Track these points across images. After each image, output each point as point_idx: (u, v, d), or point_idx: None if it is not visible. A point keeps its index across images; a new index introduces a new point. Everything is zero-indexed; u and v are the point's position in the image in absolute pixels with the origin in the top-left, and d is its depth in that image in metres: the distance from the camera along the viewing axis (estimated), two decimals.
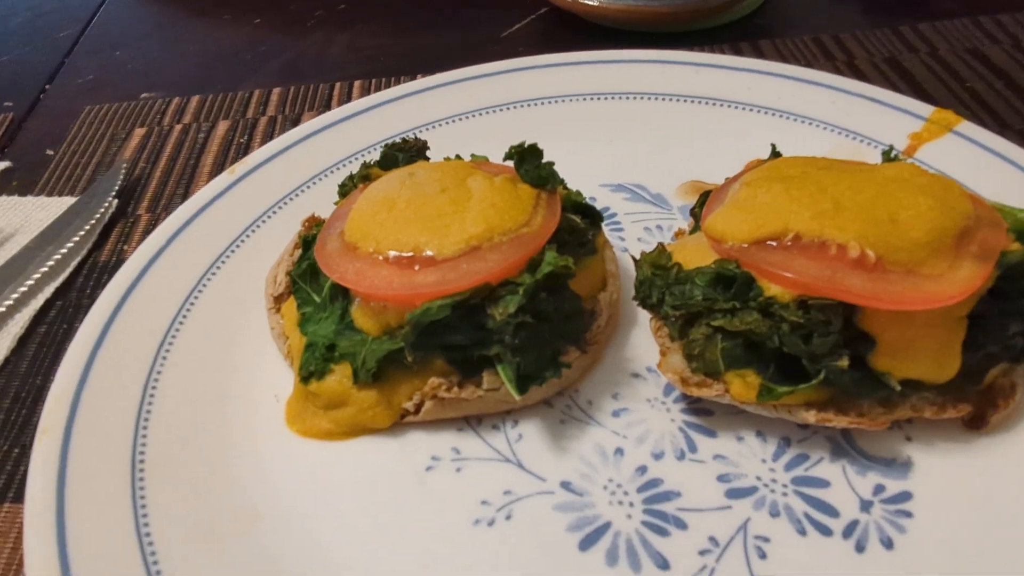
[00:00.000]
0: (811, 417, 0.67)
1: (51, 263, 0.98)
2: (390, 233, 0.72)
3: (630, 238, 0.92)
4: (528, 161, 0.78)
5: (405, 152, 0.88)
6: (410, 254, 0.71)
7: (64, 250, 1.00)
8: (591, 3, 1.33)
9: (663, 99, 1.08)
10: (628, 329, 0.81)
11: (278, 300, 0.82)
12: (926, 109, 0.97)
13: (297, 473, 0.71)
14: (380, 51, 1.45)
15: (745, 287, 0.68)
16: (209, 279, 0.86)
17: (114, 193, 1.09)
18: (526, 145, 0.78)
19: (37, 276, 0.97)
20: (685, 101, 1.08)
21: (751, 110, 1.05)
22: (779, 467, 0.69)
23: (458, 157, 0.90)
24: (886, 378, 0.66)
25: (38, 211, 1.09)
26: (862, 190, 0.69)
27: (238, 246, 0.90)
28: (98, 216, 1.05)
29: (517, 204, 0.74)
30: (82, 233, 1.02)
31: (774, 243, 0.68)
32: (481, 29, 1.47)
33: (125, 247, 1.03)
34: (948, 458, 0.68)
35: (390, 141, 1.01)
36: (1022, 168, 0.89)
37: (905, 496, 0.66)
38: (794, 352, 0.65)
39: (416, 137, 0.91)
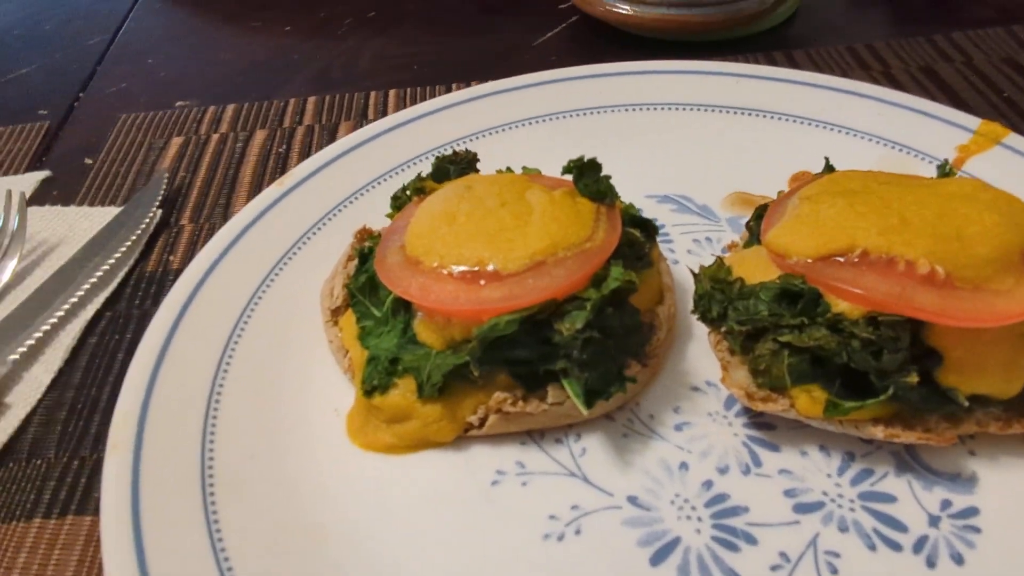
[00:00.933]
0: (879, 433, 0.67)
1: (99, 274, 0.98)
2: (453, 247, 0.73)
3: (680, 250, 0.92)
4: (587, 175, 0.78)
5: (456, 164, 0.89)
6: (475, 269, 0.71)
7: (112, 260, 1.00)
8: (623, 11, 1.33)
9: (704, 110, 1.09)
10: (685, 343, 0.82)
11: (335, 313, 0.82)
12: (973, 121, 0.98)
13: (362, 488, 0.71)
14: (411, 59, 1.45)
15: (812, 303, 0.68)
16: (264, 291, 0.86)
17: (158, 203, 1.09)
18: (585, 159, 0.79)
19: (86, 287, 0.97)
20: (726, 112, 1.08)
21: (793, 121, 1.05)
22: (845, 482, 0.69)
23: (509, 170, 0.90)
24: (954, 394, 0.66)
25: (82, 220, 1.10)
26: (927, 206, 0.70)
27: (290, 258, 0.90)
28: (143, 226, 1.05)
29: (579, 219, 0.75)
30: (128, 243, 1.02)
31: (841, 259, 0.68)
32: (512, 37, 1.48)
33: (171, 257, 1.03)
34: (1013, 473, 0.69)
35: (436, 152, 1.03)
36: None
37: (972, 511, 0.66)
38: (863, 368, 0.66)
39: (466, 149, 0.91)
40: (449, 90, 1.26)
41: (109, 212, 1.10)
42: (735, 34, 1.35)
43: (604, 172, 0.80)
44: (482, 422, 0.73)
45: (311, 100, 1.32)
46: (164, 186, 1.12)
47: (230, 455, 0.71)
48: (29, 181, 1.18)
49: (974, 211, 0.69)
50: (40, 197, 1.16)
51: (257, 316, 0.84)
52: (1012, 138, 0.94)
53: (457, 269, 0.71)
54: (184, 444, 0.71)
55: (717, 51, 1.31)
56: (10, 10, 1.76)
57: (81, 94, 1.45)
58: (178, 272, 0.99)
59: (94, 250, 1.02)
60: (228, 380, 0.77)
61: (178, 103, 1.38)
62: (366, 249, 0.83)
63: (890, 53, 1.30)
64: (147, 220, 1.06)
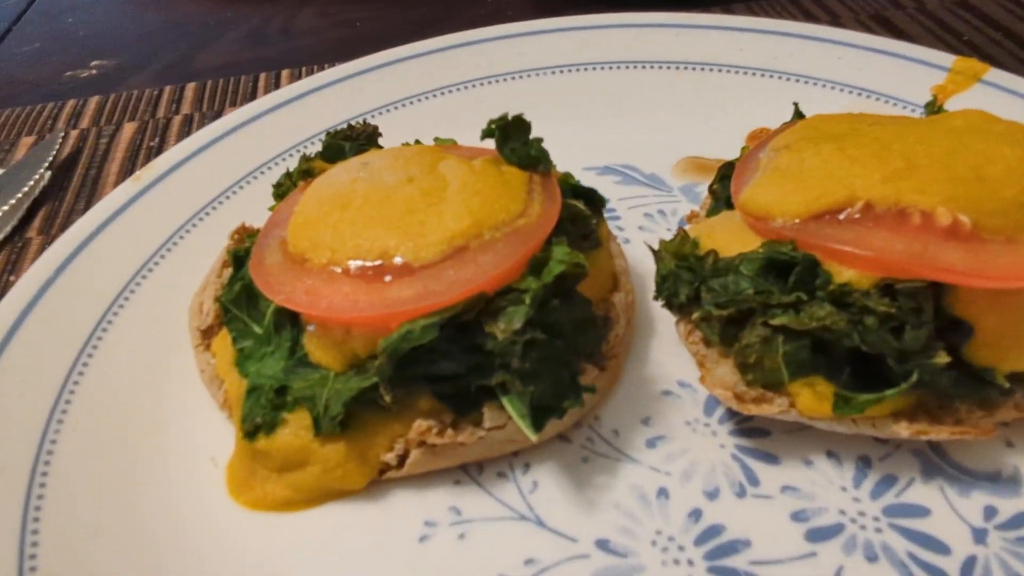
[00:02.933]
0: (903, 431, 0.53)
1: None
2: (348, 238, 0.56)
3: (630, 227, 0.78)
4: (514, 138, 0.63)
5: (353, 140, 0.73)
6: (378, 262, 0.55)
7: None
8: None
9: (642, 67, 0.95)
10: (647, 337, 0.67)
11: (207, 334, 0.65)
12: (946, 59, 0.86)
13: (251, 560, 0.54)
14: (354, 16, 1.31)
15: (808, 273, 0.54)
16: (116, 312, 0.68)
17: (47, 164, 0.95)
18: (510, 117, 0.63)
19: None
20: (667, 68, 0.94)
21: (744, 73, 0.92)
22: (864, 495, 0.55)
23: (418, 142, 0.74)
24: (990, 375, 0.53)
25: None
26: (934, 143, 0.56)
27: (151, 269, 0.72)
28: (26, 189, 0.92)
29: (507, 190, 0.59)
30: (5, 208, 0.89)
31: (840, 215, 0.54)
32: None
33: (12, 277, 0.84)
34: None
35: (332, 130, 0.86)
36: None
37: None
38: (879, 350, 0.51)
39: (365, 122, 0.75)
40: None
41: None
42: None
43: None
44: (401, 460, 0.56)
45: (190, 87, 1.14)
46: (57, 145, 0.98)
47: (61, 530, 0.53)
48: None
49: (990, 146, 0.56)
50: None
51: (106, 344, 0.66)
52: (993, 73, 0.83)
53: (354, 264, 0.55)
54: None
55: (682, 7, 1.17)
56: None
57: None
58: None
59: None
60: (64, 431, 0.59)
61: (92, 63, 1.24)
62: (242, 251, 0.66)
63: (836, 3, 1.18)
64: (31, 183, 0.93)
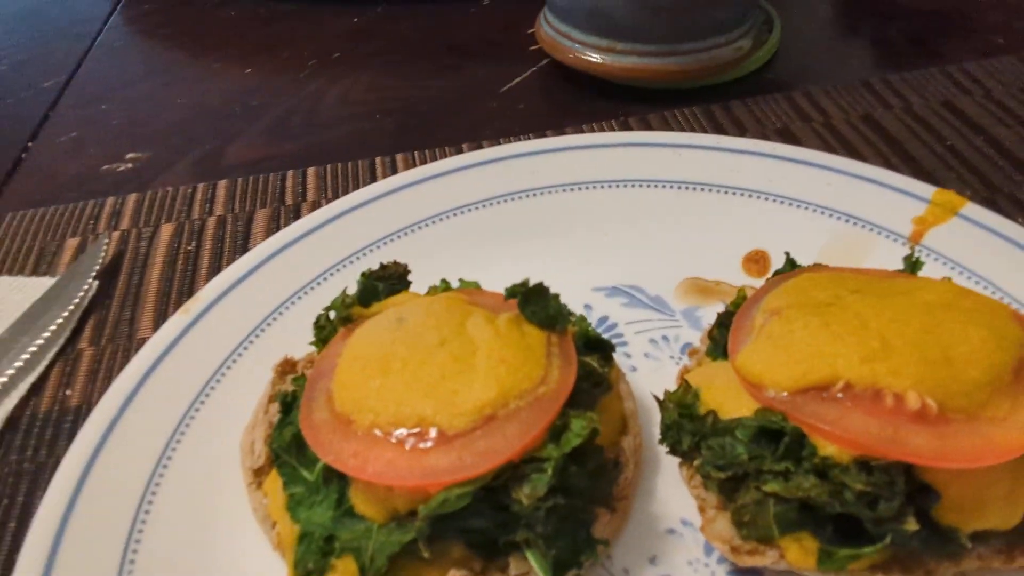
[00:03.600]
0: None
1: (25, 356, 0.92)
2: (389, 403, 0.64)
3: (636, 353, 0.85)
4: (534, 302, 0.70)
5: (386, 280, 0.79)
6: (416, 429, 0.62)
7: (40, 341, 0.93)
8: (594, 60, 1.26)
9: (645, 186, 1.02)
10: (651, 475, 0.74)
11: (259, 473, 0.72)
12: (927, 190, 0.93)
13: None
14: (374, 107, 1.39)
15: (796, 444, 0.61)
16: (175, 446, 0.75)
17: (94, 273, 1.02)
18: (530, 284, 0.70)
19: (10, 372, 0.90)
20: (668, 187, 1.01)
21: (740, 194, 0.99)
22: None
23: (444, 284, 0.81)
24: (955, 534, 0.60)
25: (13, 293, 1.02)
26: (907, 322, 0.64)
27: (203, 402, 0.79)
28: (77, 300, 0.98)
29: (529, 357, 0.66)
30: (59, 321, 0.95)
31: (824, 393, 0.61)
32: (479, 80, 1.43)
33: (68, 392, 0.91)
34: None
35: (360, 255, 0.94)
36: None
37: None
38: (857, 515, 0.59)
39: (395, 261, 0.82)
40: (393, 164, 1.20)
41: (44, 283, 1.03)
42: (710, 81, 1.29)
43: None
44: None
45: (222, 184, 1.21)
46: (104, 253, 1.05)
47: None
48: None
49: (958, 326, 0.63)
50: None
51: (169, 479, 0.73)
52: (968, 208, 0.90)
53: (396, 431, 0.62)
54: None
55: (691, 99, 1.27)
56: None
57: (30, 143, 1.37)
58: (77, 410, 0.88)
59: (22, 328, 0.95)
60: (137, 565, 0.66)
61: (128, 155, 1.31)
62: (288, 396, 0.73)
63: (829, 102, 1.26)
64: (81, 293, 0.99)
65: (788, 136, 1.18)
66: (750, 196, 0.98)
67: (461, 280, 0.81)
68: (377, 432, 0.63)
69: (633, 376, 0.81)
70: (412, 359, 0.66)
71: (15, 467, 0.83)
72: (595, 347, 0.74)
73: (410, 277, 0.81)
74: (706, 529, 0.65)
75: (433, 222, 0.98)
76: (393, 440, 0.62)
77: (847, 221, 0.93)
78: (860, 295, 0.68)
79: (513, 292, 0.71)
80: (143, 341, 0.94)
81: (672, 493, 0.72)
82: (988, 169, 1.09)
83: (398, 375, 0.65)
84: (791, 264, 0.79)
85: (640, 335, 0.87)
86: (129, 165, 1.30)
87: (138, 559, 0.67)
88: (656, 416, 0.77)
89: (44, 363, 0.93)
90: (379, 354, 0.68)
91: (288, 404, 0.73)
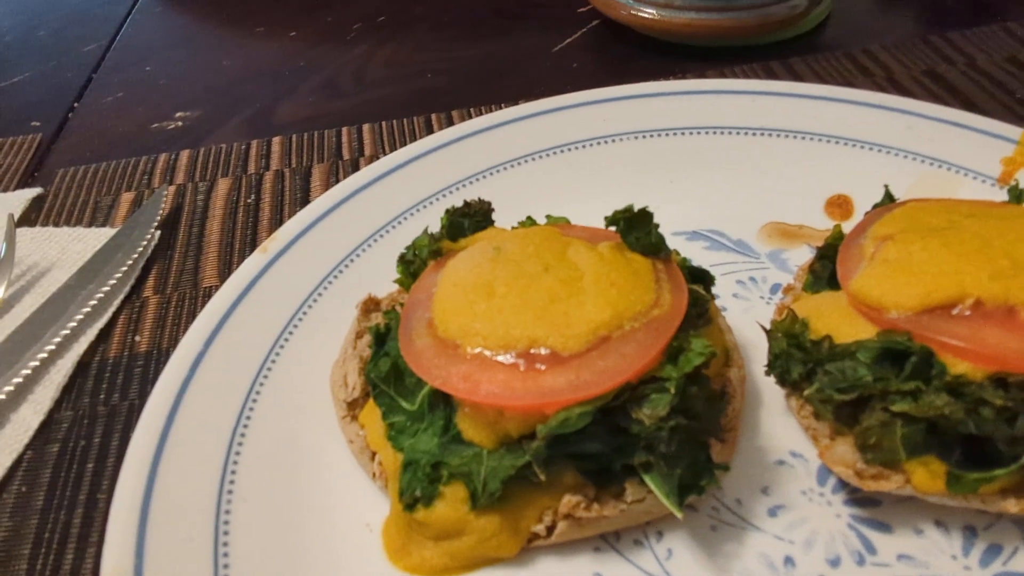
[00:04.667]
0: (1012, 507, 0.59)
1: (93, 302, 0.90)
2: (498, 326, 0.62)
3: (724, 294, 0.83)
4: (638, 228, 0.68)
5: (470, 217, 0.77)
6: (530, 351, 0.60)
7: (106, 287, 0.92)
8: (648, 15, 1.24)
9: (720, 132, 1.00)
10: (755, 409, 0.72)
11: (353, 406, 0.70)
12: (1014, 131, 0.91)
13: None
14: (423, 66, 1.37)
15: (924, 364, 0.59)
16: (262, 383, 0.74)
17: (156, 224, 1.01)
18: (634, 209, 0.68)
19: (79, 317, 0.88)
20: (745, 134, 0.99)
21: (818, 140, 0.97)
22: (974, 563, 0.60)
23: (530, 220, 0.79)
24: None
25: (75, 243, 1.02)
26: None
27: (287, 339, 0.77)
28: (140, 249, 0.97)
29: (639, 281, 0.65)
30: (124, 268, 0.94)
31: (952, 311, 0.59)
32: (529, 43, 1.40)
33: (136, 338, 0.89)
34: None
35: (433, 199, 0.92)
36: None
37: None
38: (992, 436, 0.57)
39: (479, 198, 0.80)
40: (449, 120, 1.17)
41: (104, 233, 1.02)
42: (765, 39, 1.27)
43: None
44: (549, 530, 0.62)
45: (276, 140, 1.19)
46: (163, 205, 1.04)
47: None
48: (19, 199, 1.10)
49: None
50: (31, 216, 1.09)
51: (257, 417, 0.71)
52: None
53: (507, 353, 0.60)
54: None
55: (746, 58, 1.24)
56: (3, 15, 1.68)
57: (76, 104, 1.36)
58: (147, 356, 0.86)
59: (88, 276, 0.93)
60: (234, 501, 0.65)
61: (177, 114, 1.30)
62: (382, 328, 0.71)
63: (889, 57, 1.24)
64: (144, 242, 0.98)
65: None
66: (828, 141, 0.96)
67: (548, 216, 0.79)
68: (487, 354, 0.61)
69: (724, 315, 0.79)
70: (516, 284, 0.64)
71: (88, 410, 0.81)
72: (696, 278, 0.72)
73: (493, 216, 0.79)
74: (825, 455, 0.63)
75: (506, 168, 0.96)
76: (505, 362, 0.60)
77: (931, 164, 0.91)
78: (975, 219, 0.66)
79: (615, 220, 0.69)
80: (209, 289, 0.93)
81: (777, 427, 0.70)
82: None
83: (504, 299, 0.63)
84: (889, 198, 0.77)
85: (726, 276, 0.85)
86: (179, 123, 1.28)
87: (234, 497, 0.65)
88: (753, 353, 0.76)
89: (111, 310, 0.92)
90: (481, 280, 0.66)
91: (382, 336, 0.71)
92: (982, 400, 0.56)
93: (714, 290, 0.83)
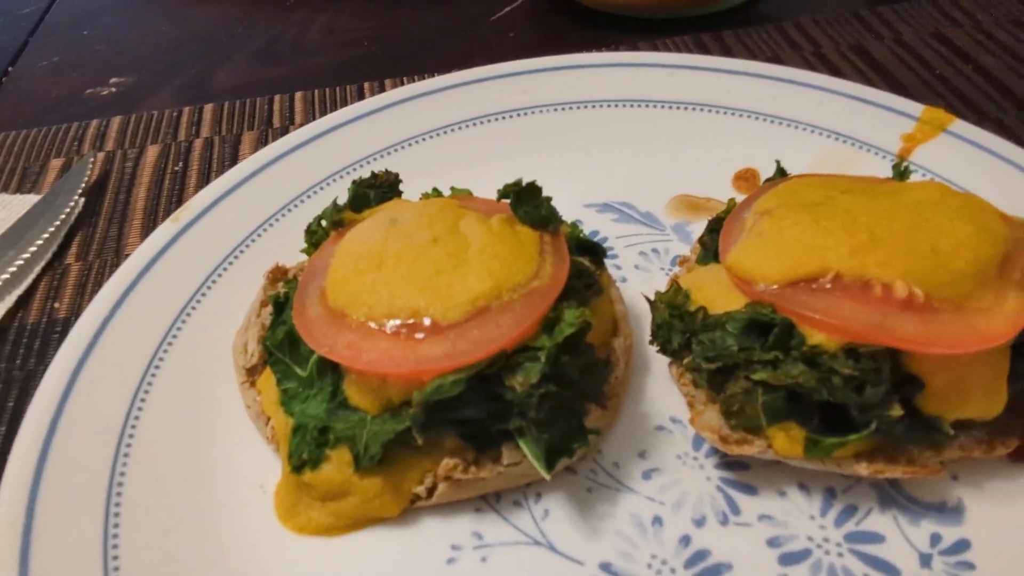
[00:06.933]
0: (863, 470, 0.62)
1: (12, 269, 0.91)
2: (383, 296, 0.64)
3: (627, 265, 0.86)
4: (527, 201, 0.70)
5: (376, 188, 0.79)
6: (410, 321, 0.62)
7: (26, 255, 0.93)
8: None
9: (637, 105, 1.02)
10: (642, 376, 0.75)
11: (252, 372, 0.72)
12: (916, 108, 0.94)
13: None
14: (362, 34, 1.38)
15: (785, 335, 0.62)
16: (166, 349, 0.75)
17: (80, 191, 1.01)
18: (523, 183, 0.70)
19: None
20: (660, 107, 1.01)
21: (731, 114, 0.99)
22: (829, 523, 0.64)
23: (436, 191, 0.81)
24: (938, 423, 0.62)
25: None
26: (895, 218, 0.64)
27: (194, 307, 0.79)
28: (63, 216, 0.98)
29: (522, 252, 0.67)
30: (46, 236, 0.95)
31: (813, 284, 0.62)
32: (469, 9, 1.41)
33: (56, 304, 0.90)
34: (998, 498, 0.65)
35: (350, 170, 0.93)
36: (1021, 168, 0.86)
37: (964, 545, 0.62)
38: (844, 403, 0.60)
39: (386, 170, 0.81)
40: (381, 88, 1.18)
41: (30, 200, 1.03)
42: (705, 11, 1.29)
43: (540, 184, 0.71)
44: (430, 492, 0.65)
45: (208, 108, 1.19)
46: (89, 171, 1.05)
47: (138, 552, 0.61)
48: None
49: (945, 221, 0.64)
50: None
51: (160, 380, 0.73)
52: (957, 124, 0.91)
53: (390, 322, 0.63)
54: (81, 553, 0.60)
55: (683, 30, 1.25)
56: None
57: (10, 68, 1.35)
58: (66, 322, 0.88)
59: (8, 242, 0.94)
60: (131, 461, 0.67)
61: (112, 80, 1.29)
62: (281, 296, 0.73)
63: (819, 32, 1.25)
64: (68, 209, 0.99)
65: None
66: (742, 116, 0.98)
67: (452, 188, 0.81)
68: (371, 324, 0.63)
69: (624, 287, 0.82)
70: (406, 255, 0.66)
71: (4, 375, 0.83)
72: (587, 250, 0.75)
73: (401, 188, 0.81)
74: (695, 421, 0.66)
75: (424, 139, 0.97)
76: (387, 331, 0.62)
77: (837, 139, 0.94)
78: (850, 195, 0.69)
79: (506, 192, 0.71)
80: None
81: (661, 394, 0.73)
82: (976, 96, 1.10)
83: (392, 270, 0.66)
84: (781, 172, 0.79)
85: (630, 248, 0.87)
86: (113, 89, 1.28)
87: (130, 461, 0.68)
88: (646, 324, 0.78)
89: (31, 276, 0.93)
90: (372, 251, 0.68)
91: (280, 305, 0.73)
92: (833, 370, 0.59)
93: (617, 261, 0.86)
